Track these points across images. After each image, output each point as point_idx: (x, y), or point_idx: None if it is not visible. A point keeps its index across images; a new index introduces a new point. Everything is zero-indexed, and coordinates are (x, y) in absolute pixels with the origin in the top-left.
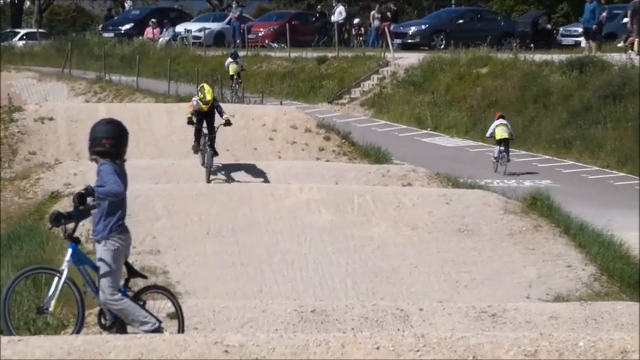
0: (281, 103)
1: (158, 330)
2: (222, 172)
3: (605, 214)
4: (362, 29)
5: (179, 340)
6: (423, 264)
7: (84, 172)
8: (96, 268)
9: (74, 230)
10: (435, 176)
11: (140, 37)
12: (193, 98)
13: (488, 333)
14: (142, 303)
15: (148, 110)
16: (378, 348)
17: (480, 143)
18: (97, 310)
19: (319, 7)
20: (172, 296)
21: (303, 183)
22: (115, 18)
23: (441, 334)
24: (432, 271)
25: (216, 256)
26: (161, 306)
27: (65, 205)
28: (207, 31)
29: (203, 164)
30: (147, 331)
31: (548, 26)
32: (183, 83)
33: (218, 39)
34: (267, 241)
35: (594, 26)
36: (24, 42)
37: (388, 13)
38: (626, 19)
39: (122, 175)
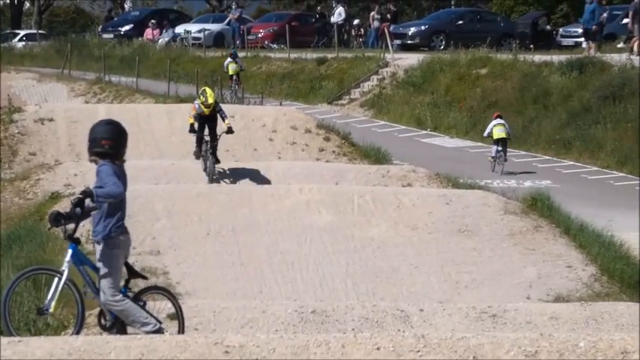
0: (281, 104)
1: (159, 331)
2: (224, 180)
3: (605, 215)
4: (361, 30)
5: (179, 341)
6: (423, 264)
7: (84, 172)
8: (96, 269)
9: (74, 231)
10: (435, 177)
11: (140, 38)
12: (195, 101)
13: (489, 333)
14: (142, 304)
15: (147, 111)
16: (378, 348)
17: (480, 144)
18: (97, 310)
19: (319, 8)
20: (172, 297)
21: (303, 183)
22: (115, 19)
23: (442, 335)
24: (432, 271)
25: (217, 257)
26: (161, 307)
27: (65, 206)
28: (206, 32)
29: (205, 170)
30: (147, 332)
31: (548, 27)
32: (183, 84)
33: (218, 40)
34: (267, 241)
35: (594, 27)
36: (24, 43)
37: (388, 14)
38: (626, 20)
39: (122, 176)
